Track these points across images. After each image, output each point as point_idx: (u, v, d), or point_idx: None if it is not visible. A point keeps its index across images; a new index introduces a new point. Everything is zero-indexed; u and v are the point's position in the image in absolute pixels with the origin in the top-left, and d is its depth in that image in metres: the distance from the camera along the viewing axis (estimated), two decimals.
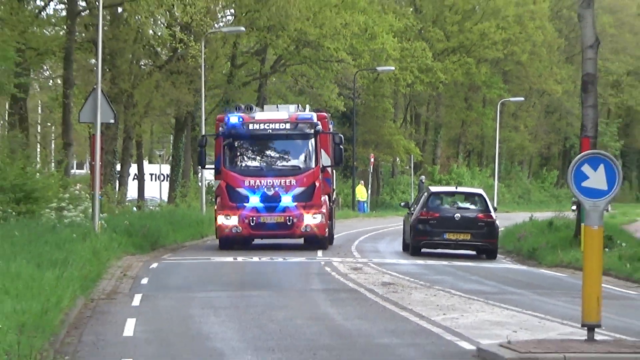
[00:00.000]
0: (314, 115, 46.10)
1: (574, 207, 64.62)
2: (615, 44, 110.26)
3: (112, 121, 60.99)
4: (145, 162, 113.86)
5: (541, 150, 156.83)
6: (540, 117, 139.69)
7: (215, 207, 48.54)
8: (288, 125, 43.35)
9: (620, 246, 50.72)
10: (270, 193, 41.62)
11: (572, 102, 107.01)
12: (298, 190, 41.83)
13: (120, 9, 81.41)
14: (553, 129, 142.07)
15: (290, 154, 43.81)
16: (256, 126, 43.29)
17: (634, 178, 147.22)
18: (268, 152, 43.91)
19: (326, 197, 50.69)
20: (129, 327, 27.84)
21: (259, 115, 46.51)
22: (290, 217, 41.88)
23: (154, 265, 48.45)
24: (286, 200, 41.73)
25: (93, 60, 72.82)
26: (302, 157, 43.56)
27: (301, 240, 52.58)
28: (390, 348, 23.30)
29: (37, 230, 49.61)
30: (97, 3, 61.38)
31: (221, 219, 44.10)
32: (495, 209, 61.62)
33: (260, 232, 44.11)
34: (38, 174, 71.13)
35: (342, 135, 50.87)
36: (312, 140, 43.28)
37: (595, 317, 23.28)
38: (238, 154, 44.10)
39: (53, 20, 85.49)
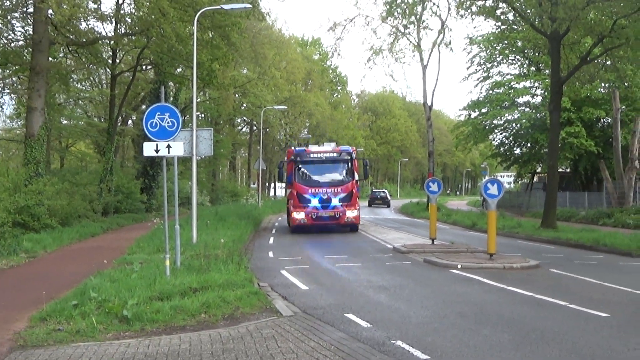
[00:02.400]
0: (350, 148, 44.41)
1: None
2: (438, 139, 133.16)
3: (264, 168, 79.89)
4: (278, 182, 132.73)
5: (414, 177, 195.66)
6: (413, 166, 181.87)
7: (288, 205, 45.89)
8: (335, 154, 41.84)
9: (442, 210, 60.73)
10: (325, 197, 39.98)
11: (425, 161, 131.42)
12: (342, 195, 40.17)
13: (267, 129, 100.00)
14: (418, 170, 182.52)
15: (337, 172, 41.37)
16: (315, 155, 41.70)
17: (446, 187, 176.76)
18: (323, 171, 41.37)
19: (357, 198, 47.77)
20: (271, 240, 37.23)
21: (315, 148, 44.58)
22: (338, 212, 40.06)
23: (280, 218, 57.70)
24: (335, 201, 40.05)
25: (259, 147, 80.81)
26: (344, 174, 41.22)
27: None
28: (362, 247, 32.40)
29: (238, 206, 65.78)
30: (260, 128, 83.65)
31: (294, 214, 41.55)
32: (390, 195, 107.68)
33: (319, 222, 41.16)
34: (239, 186, 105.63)
35: (368, 160, 48.37)
36: (350, 163, 41.45)
37: (434, 235, 31.72)
38: (304, 172, 41.37)
39: (244, 133, 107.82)
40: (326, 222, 41.36)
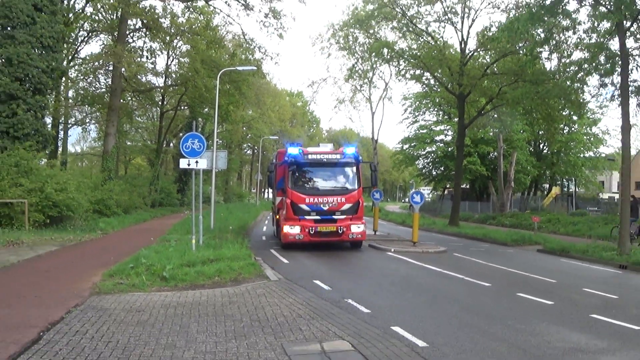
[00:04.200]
0: (355, 149, 28.03)
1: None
2: (381, 163, 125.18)
3: (261, 179, 77.92)
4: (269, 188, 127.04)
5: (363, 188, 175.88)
6: (363, 180, 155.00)
7: (277, 216, 28.80)
8: (338, 156, 26.56)
9: (382, 211, 49.32)
10: (325, 208, 25.07)
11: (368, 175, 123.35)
12: (347, 206, 25.22)
13: (264, 152, 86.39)
14: (366, 183, 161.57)
15: (340, 178, 26.25)
16: (314, 156, 26.55)
17: (386, 196, 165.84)
18: (323, 177, 26.39)
19: None
20: (264, 230, 34.58)
21: (312, 149, 28.30)
22: (341, 227, 24.97)
23: (272, 213, 50.90)
24: (338, 214, 25.06)
25: (258, 164, 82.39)
26: (349, 180, 26.03)
27: None
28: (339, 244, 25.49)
29: (243, 204, 68.42)
30: (259, 152, 74.51)
31: (286, 228, 25.60)
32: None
33: (317, 238, 25.53)
34: (244, 190, 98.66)
35: (376, 164, 33.60)
36: (356, 167, 26.58)
37: (376, 228, 31.65)
38: (300, 177, 26.10)
39: (248, 154, 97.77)
40: (327, 239, 25.34)
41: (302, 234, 23.27)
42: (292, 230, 23.37)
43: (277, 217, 26.57)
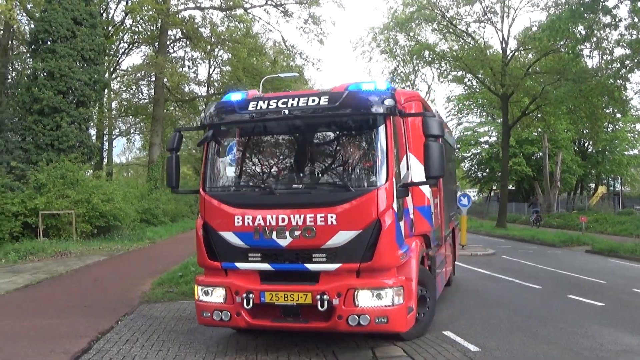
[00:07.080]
0: (380, 84, 6.53)
1: None
2: None
3: None
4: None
5: None
6: None
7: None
8: (325, 100, 6.20)
9: None
10: (284, 244, 6.65)
11: None
12: (344, 235, 6.20)
13: None
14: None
15: (333, 160, 6.79)
16: (265, 105, 6.75)
17: None
18: (287, 157, 7.37)
19: (418, 242, 7.90)
20: None
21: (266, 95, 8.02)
22: (326, 295, 6.46)
23: None
24: (319, 258, 6.47)
25: None
26: (355, 166, 6.39)
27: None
28: None
29: None
30: None
31: (198, 292, 7.89)
32: None
33: (266, 322, 7.28)
34: None
35: (442, 121, 8.82)
36: (381, 128, 6.17)
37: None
38: (227, 162, 7.57)
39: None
40: (289, 324, 7.57)
41: (229, 309, 7.90)
42: (207, 296, 8.28)
43: None
